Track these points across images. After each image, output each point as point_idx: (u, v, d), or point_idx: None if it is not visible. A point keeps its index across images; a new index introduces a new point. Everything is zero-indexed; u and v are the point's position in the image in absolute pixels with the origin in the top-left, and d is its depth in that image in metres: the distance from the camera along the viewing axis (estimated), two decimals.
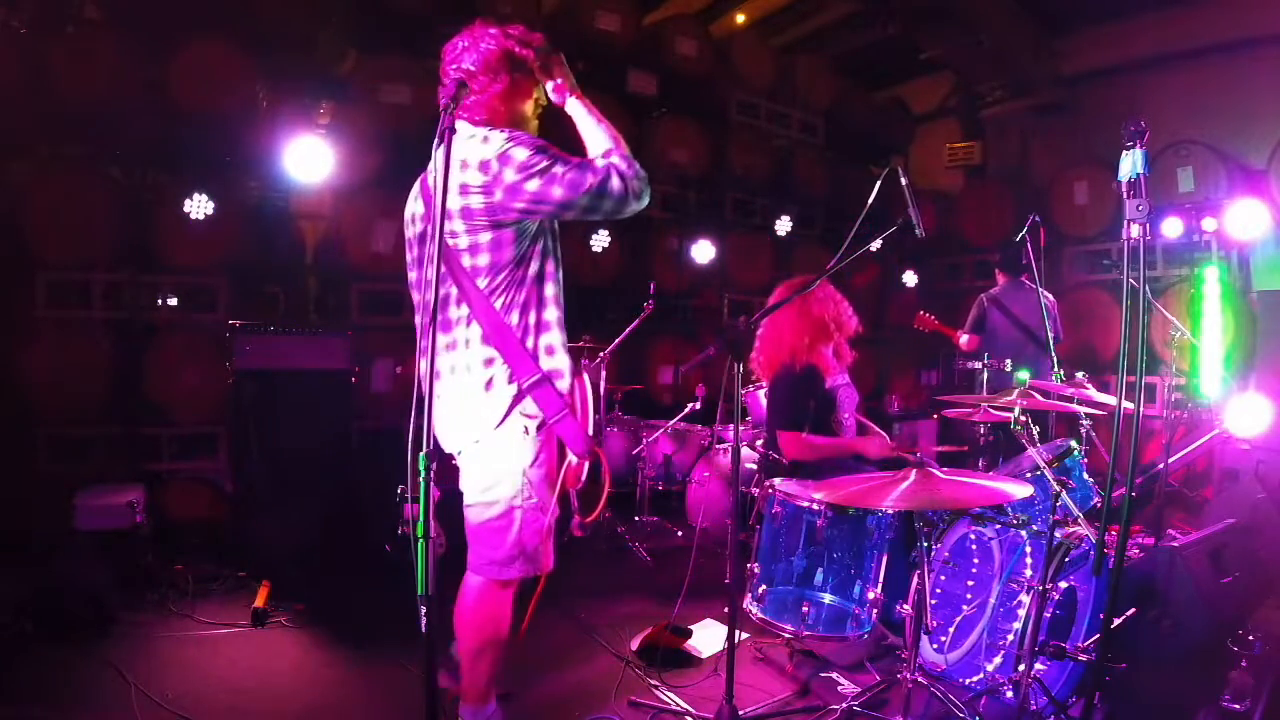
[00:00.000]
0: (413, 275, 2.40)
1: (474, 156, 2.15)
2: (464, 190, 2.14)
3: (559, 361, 2.31)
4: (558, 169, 2.13)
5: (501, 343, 2.21)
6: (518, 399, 2.25)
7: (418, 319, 2.41)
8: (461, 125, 2.25)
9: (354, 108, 5.44)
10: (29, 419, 4.54)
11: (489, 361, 2.24)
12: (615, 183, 2.17)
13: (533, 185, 2.12)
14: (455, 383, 2.28)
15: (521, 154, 2.13)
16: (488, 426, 2.26)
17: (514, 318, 2.24)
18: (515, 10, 5.91)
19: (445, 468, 2.26)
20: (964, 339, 5.76)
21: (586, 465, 2.42)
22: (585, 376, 2.41)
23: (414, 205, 2.40)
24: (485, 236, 2.18)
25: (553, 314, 2.32)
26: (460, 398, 2.28)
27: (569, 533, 4.73)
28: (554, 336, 2.32)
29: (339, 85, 5.63)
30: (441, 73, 2.30)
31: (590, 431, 2.34)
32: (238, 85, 4.93)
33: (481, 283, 2.20)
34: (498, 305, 2.21)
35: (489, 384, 2.24)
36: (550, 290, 2.33)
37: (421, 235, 2.34)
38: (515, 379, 2.23)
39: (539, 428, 2.29)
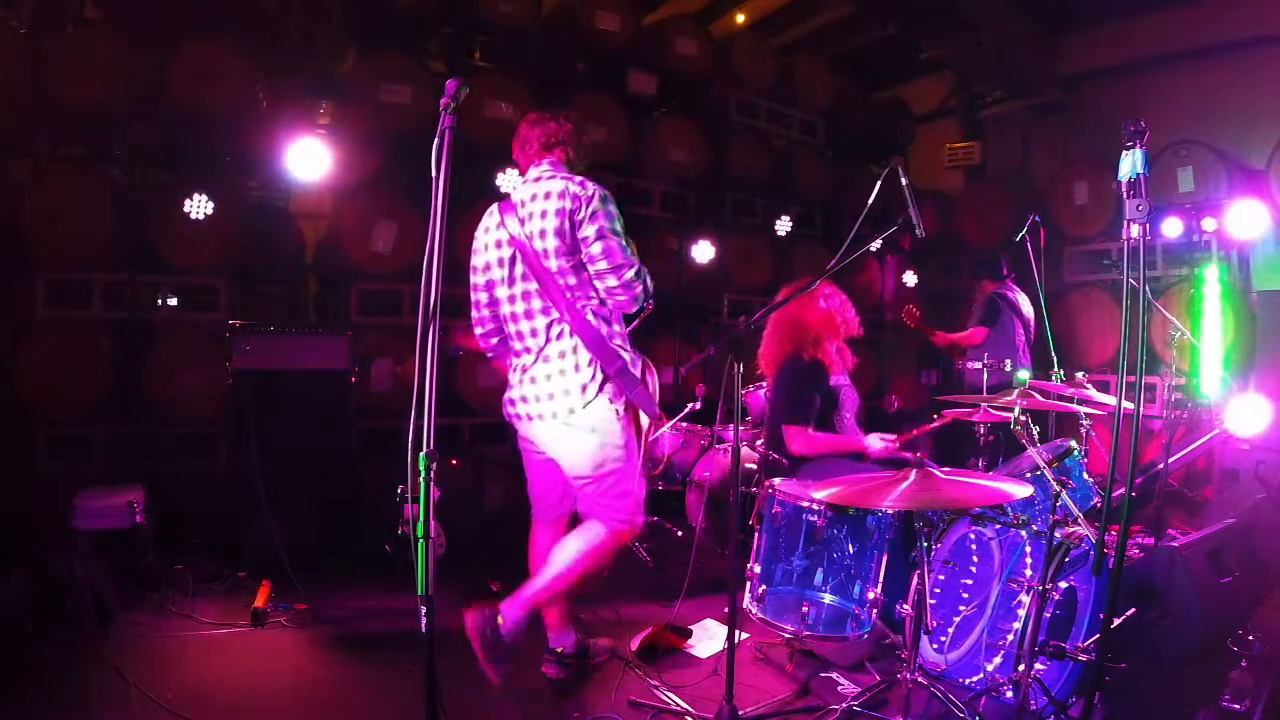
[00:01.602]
0: (502, 291, 2.89)
1: (570, 192, 2.75)
2: (560, 214, 2.72)
3: (628, 351, 2.85)
4: (621, 242, 2.78)
5: (593, 344, 2.76)
6: (605, 386, 2.79)
7: (510, 327, 2.92)
8: (543, 168, 2.91)
9: (354, 108, 5.44)
10: (29, 419, 4.54)
11: (591, 362, 2.78)
12: (646, 279, 2.85)
13: (599, 247, 2.74)
14: (561, 379, 2.79)
15: (608, 218, 2.77)
16: (587, 409, 2.78)
17: (595, 319, 2.79)
18: (515, 10, 5.91)
19: (445, 468, 2.34)
20: (967, 332, 5.78)
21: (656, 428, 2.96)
22: (648, 360, 2.95)
23: (497, 232, 2.88)
24: (575, 260, 2.75)
25: (622, 325, 2.90)
26: (563, 387, 2.79)
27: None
28: (625, 339, 2.88)
29: (339, 85, 5.62)
30: (528, 137, 2.95)
31: (657, 400, 2.93)
32: (238, 85, 4.92)
33: (569, 295, 2.76)
34: (588, 316, 2.78)
35: (594, 378, 2.77)
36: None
37: (512, 258, 2.83)
38: (605, 370, 2.78)
39: (625, 409, 2.83)
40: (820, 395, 3.66)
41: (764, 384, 4.53)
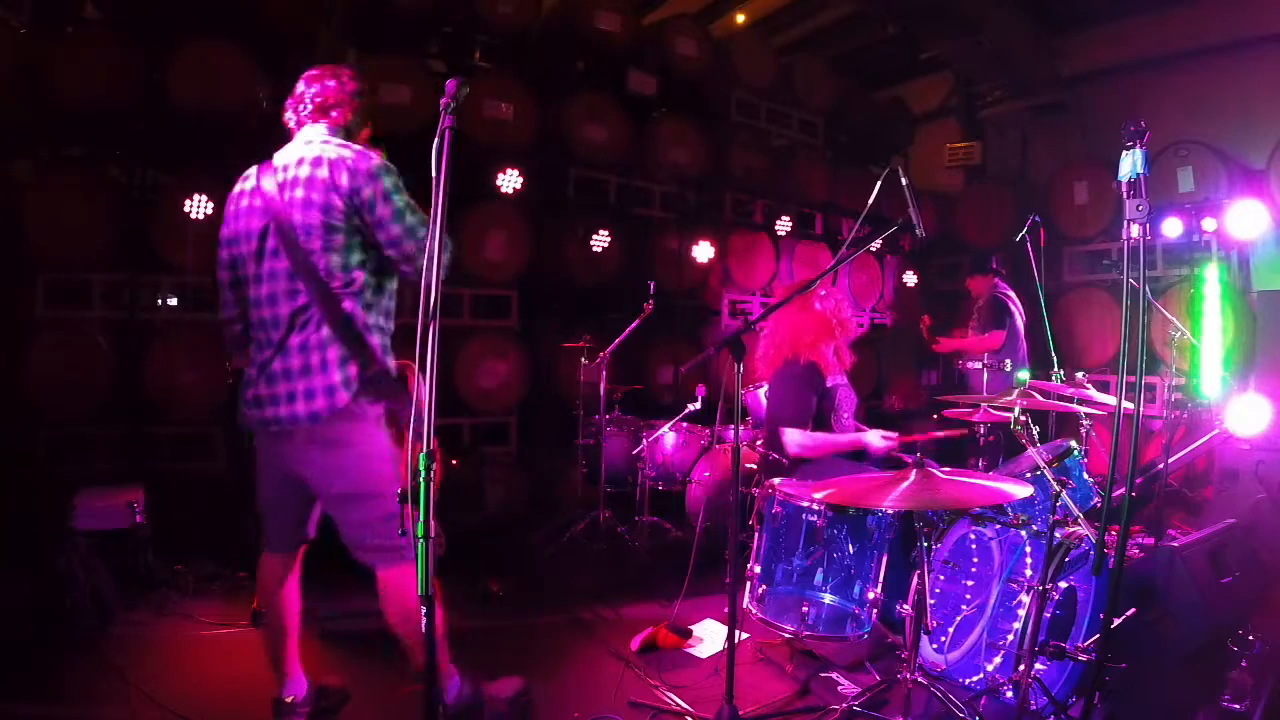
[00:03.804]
0: (250, 269, 2.45)
1: (349, 166, 2.37)
2: (333, 190, 2.34)
3: (389, 353, 2.49)
4: (411, 204, 2.40)
5: (349, 340, 2.36)
6: (364, 389, 2.38)
7: (253, 313, 2.47)
8: (317, 130, 2.55)
9: None
10: (29, 419, 4.54)
11: (345, 361, 2.37)
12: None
13: (399, 228, 2.37)
14: (305, 378, 2.37)
15: (389, 182, 2.39)
16: (340, 416, 2.37)
17: (355, 311, 2.39)
18: (515, 10, 5.91)
19: (445, 468, 2.26)
20: (983, 336, 5.80)
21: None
22: (410, 363, 2.53)
23: (251, 199, 2.46)
24: (339, 240, 2.36)
25: (390, 322, 2.53)
26: (306, 388, 2.36)
27: None
28: (388, 338, 2.50)
29: None
30: (303, 95, 2.66)
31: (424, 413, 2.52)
32: (238, 85, 4.92)
33: (326, 277, 2.35)
34: (346, 305, 2.37)
35: (347, 381, 2.36)
36: (390, 301, 2.53)
37: (264, 231, 2.40)
38: (363, 372, 2.38)
39: (388, 417, 2.45)
40: (817, 396, 3.67)
41: (763, 384, 4.54)
